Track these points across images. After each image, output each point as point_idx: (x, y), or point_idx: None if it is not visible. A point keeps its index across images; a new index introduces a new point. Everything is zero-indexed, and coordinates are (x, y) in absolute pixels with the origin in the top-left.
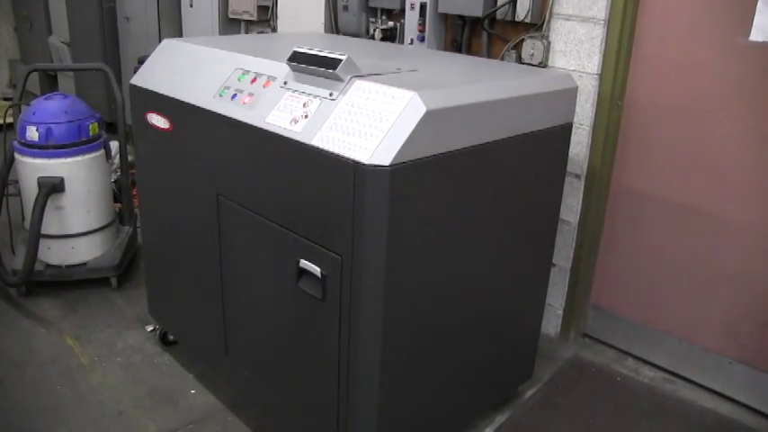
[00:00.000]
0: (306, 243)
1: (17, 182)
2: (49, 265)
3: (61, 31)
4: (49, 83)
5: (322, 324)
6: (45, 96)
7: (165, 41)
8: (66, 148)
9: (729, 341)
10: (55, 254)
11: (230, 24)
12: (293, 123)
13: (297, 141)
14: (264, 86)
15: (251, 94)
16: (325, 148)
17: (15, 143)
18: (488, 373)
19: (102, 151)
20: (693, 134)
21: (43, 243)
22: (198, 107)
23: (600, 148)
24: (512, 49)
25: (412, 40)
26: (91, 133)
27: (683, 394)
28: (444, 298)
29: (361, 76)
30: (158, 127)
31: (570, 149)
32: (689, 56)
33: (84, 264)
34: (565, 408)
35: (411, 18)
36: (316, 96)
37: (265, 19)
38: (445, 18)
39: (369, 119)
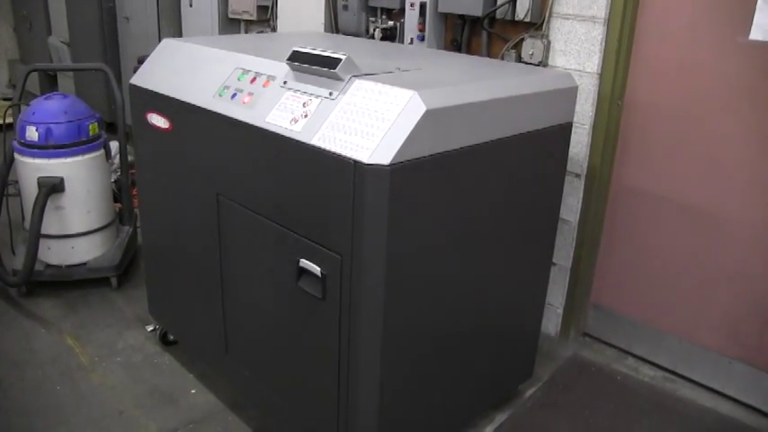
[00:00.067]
0: (306, 242)
1: (17, 182)
2: (49, 265)
3: (61, 31)
4: (49, 83)
5: (322, 323)
6: (45, 96)
7: (165, 41)
8: (66, 148)
9: (729, 340)
10: (55, 254)
11: (230, 24)
12: (293, 123)
13: (297, 141)
14: (264, 86)
15: (251, 94)
16: (325, 148)
17: (15, 143)
18: (488, 373)
19: (102, 151)
20: (693, 133)
21: (43, 243)
22: (198, 107)
23: (600, 147)
24: (512, 48)
25: (412, 40)
26: (91, 133)
27: (683, 393)
28: (444, 297)
29: (360, 76)
30: (158, 127)
31: (570, 149)
32: (689, 55)
33: (85, 264)
34: (565, 407)
35: (411, 17)
36: (315, 96)
37: (265, 19)
38: (445, 17)
39: (368, 118)
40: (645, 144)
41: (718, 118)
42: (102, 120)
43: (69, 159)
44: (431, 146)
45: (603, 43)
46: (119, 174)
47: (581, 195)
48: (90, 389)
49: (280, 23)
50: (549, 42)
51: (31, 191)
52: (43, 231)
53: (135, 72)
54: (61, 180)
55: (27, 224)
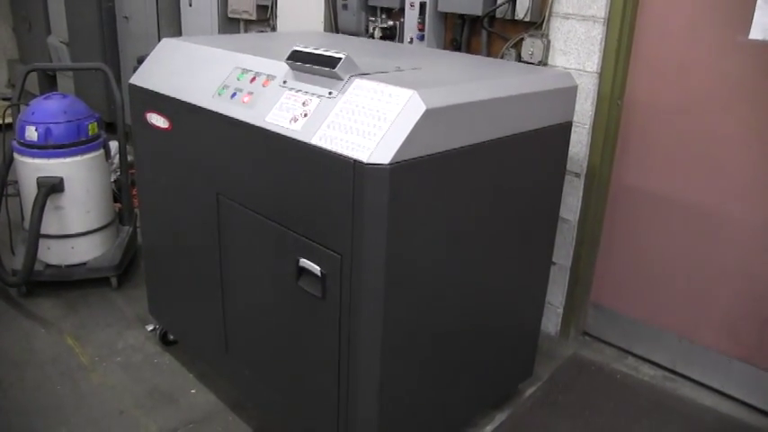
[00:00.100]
0: (305, 242)
1: (16, 182)
2: (48, 265)
3: (60, 31)
4: (48, 83)
5: (322, 323)
6: (44, 96)
7: (164, 41)
8: (66, 147)
9: (729, 339)
10: (55, 254)
11: (230, 24)
12: (293, 122)
13: (296, 140)
14: (264, 85)
15: (250, 93)
16: (325, 147)
17: (14, 143)
18: (488, 372)
19: (102, 151)
20: (693, 133)
21: (43, 243)
22: (197, 106)
23: (600, 146)
24: (511, 47)
25: (411, 39)
26: (90, 133)
27: (682, 392)
28: (444, 296)
29: (360, 75)
30: (158, 126)
31: (570, 148)
32: (689, 54)
33: (84, 264)
34: (565, 406)
35: (411, 17)
36: (315, 95)
37: (265, 18)
38: (445, 17)
39: (368, 117)
40: (644, 143)
41: (717, 117)
42: (101, 119)
43: (69, 159)
44: (430, 145)
45: (603, 43)
46: (118, 174)
47: (581, 195)
48: (90, 389)
49: (279, 23)
50: (548, 42)
51: (30, 191)
52: (43, 231)
53: (134, 72)
54: (61, 180)
55: (27, 224)
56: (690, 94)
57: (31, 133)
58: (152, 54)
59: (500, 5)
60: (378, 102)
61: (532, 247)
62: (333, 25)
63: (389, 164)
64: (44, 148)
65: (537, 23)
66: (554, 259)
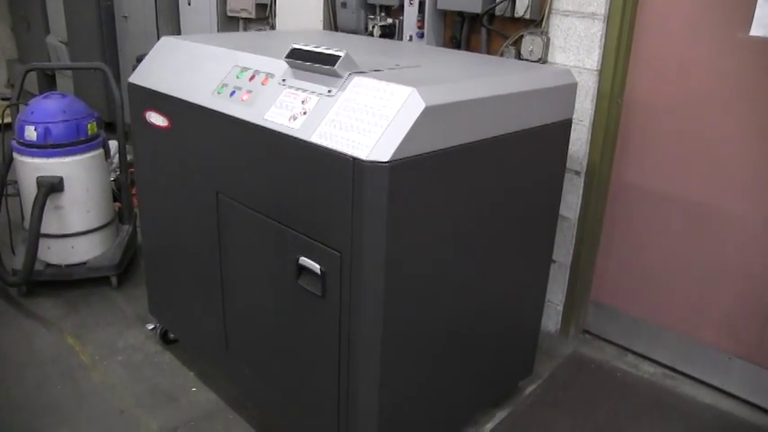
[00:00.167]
0: (305, 240)
1: (16, 182)
2: (49, 265)
3: (59, 31)
4: (48, 83)
5: (322, 321)
6: (43, 95)
7: (163, 39)
8: (65, 147)
9: (729, 337)
10: (55, 253)
11: (229, 22)
12: (292, 120)
13: (295, 138)
14: (263, 83)
15: (249, 92)
16: (324, 145)
17: (14, 143)
18: (488, 370)
19: (101, 150)
20: (693, 130)
21: (43, 243)
22: (196, 105)
23: (599, 144)
24: (511, 45)
25: (411, 37)
26: (89, 132)
27: (683, 390)
28: (444, 294)
29: (359, 73)
30: (157, 125)
31: (570, 146)
32: (689, 52)
33: (84, 263)
34: (565, 404)
35: (410, 15)
36: (314, 93)
37: (264, 17)
38: (444, 14)
39: (367, 115)
40: (644, 141)
41: (717, 115)
42: (100, 119)
43: (68, 159)
44: (430, 143)
45: (603, 40)
46: (118, 173)
47: (581, 192)
48: (91, 388)
49: (278, 21)
50: (548, 39)
51: (30, 190)
52: (43, 231)
53: (134, 71)
54: (60, 179)
55: (27, 224)
56: (690, 92)
57: (31, 133)
58: (151, 53)
59: (499, 3)
60: (377, 99)
61: (532, 245)
62: (332, 23)
63: (389, 161)
64: (43, 147)
65: (536, 21)
66: (554, 257)
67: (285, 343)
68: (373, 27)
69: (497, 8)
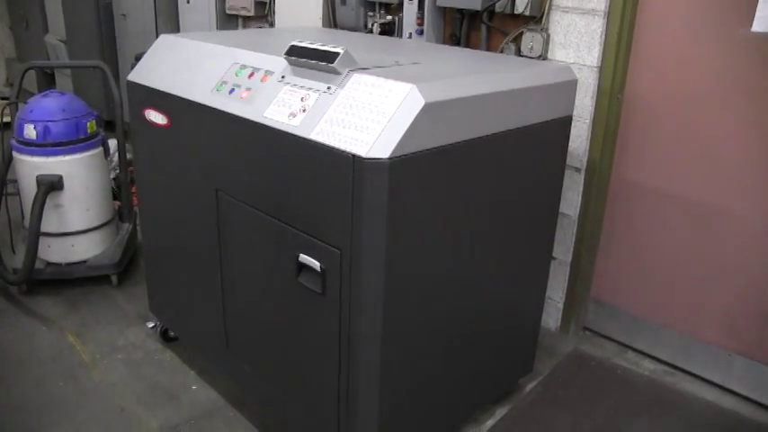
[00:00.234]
0: (305, 237)
1: (16, 181)
2: (49, 264)
3: (57, 30)
4: (47, 81)
5: (322, 318)
6: (42, 94)
7: (162, 37)
8: (65, 145)
9: (729, 334)
10: (55, 252)
11: (228, 20)
12: (291, 117)
13: (295, 135)
14: (262, 81)
15: (248, 89)
16: (324, 142)
17: (13, 141)
18: (489, 367)
19: (101, 149)
20: (694, 127)
21: (43, 241)
22: (195, 102)
23: (600, 141)
24: (511, 42)
25: (410, 34)
26: (89, 131)
27: (683, 387)
28: (444, 291)
29: (358, 70)
30: (156, 123)
31: (570, 143)
32: (690, 48)
33: (85, 261)
34: (565, 401)
35: (409, 12)
36: (313, 90)
37: (263, 14)
38: (444, 11)
39: (367, 112)
40: (645, 138)
41: (718, 112)
42: (100, 117)
43: (68, 157)
44: (430, 140)
45: (603, 36)
46: (118, 171)
47: (581, 189)
48: (91, 386)
49: (277, 19)
50: (548, 36)
51: (30, 189)
52: (43, 229)
53: (132, 69)
54: (60, 178)
55: (27, 222)
56: (690, 89)
57: (30, 131)
58: (150, 51)
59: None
60: (376, 96)
61: (533, 242)
62: (331, 21)
63: (389, 158)
64: (43, 146)
65: (536, 17)
66: (554, 254)
67: (285, 340)
68: (373, 24)
69: (497, 5)
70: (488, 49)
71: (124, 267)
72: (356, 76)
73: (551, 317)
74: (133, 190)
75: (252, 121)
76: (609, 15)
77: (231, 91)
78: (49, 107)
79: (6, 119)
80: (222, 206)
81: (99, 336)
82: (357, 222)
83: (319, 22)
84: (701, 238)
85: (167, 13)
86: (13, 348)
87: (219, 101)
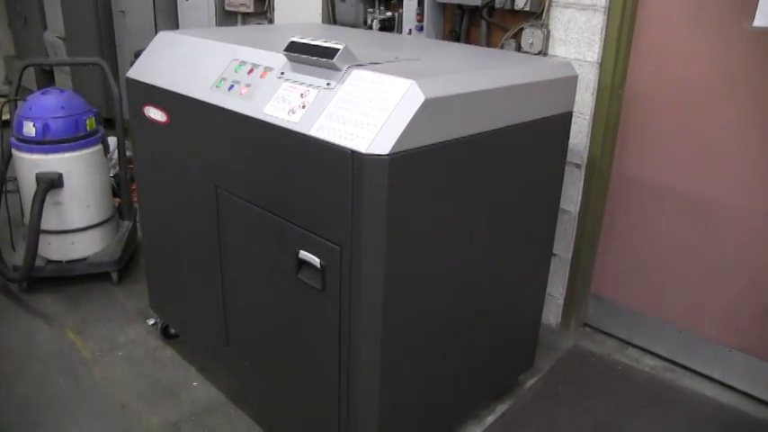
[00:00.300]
0: (305, 234)
1: (16, 178)
2: (49, 261)
3: (56, 27)
4: (46, 79)
5: (322, 314)
6: (41, 91)
7: (161, 34)
8: (64, 143)
9: (730, 330)
10: (55, 249)
11: (227, 17)
12: (291, 114)
13: (295, 132)
14: (261, 77)
15: (248, 85)
16: (324, 138)
17: (12, 139)
18: (489, 363)
19: (100, 146)
20: (694, 123)
21: (43, 239)
22: (195, 99)
23: (600, 137)
24: (511, 38)
25: (410, 30)
26: (88, 128)
27: (683, 383)
28: (444, 288)
29: (358, 66)
30: (155, 120)
31: (570, 139)
32: (691, 43)
33: (85, 259)
34: (565, 397)
35: (409, 8)
36: (313, 86)
37: (262, 11)
38: (444, 8)
39: (367, 108)
40: (645, 134)
41: (719, 108)
42: (99, 115)
43: (67, 155)
44: (430, 135)
45: (604, 32)
46: (117, 168)
47: (581, 185)
48: (92, 383)
49: (277, 15)
50: (548, 32)
51: (29, 187)
52: (43, 227)
53: (132, 66)
54: (59, 176)
55: (27, 220)
56: (691, 84)
57: (29, 128)
58: (149, 47)
59: None
60: (376, 92)
61: (533, 239)
62: (331, 17)
63: (388, 154)
64: (42, 143)
65: (537, 13)
66: (554, 250)
67: (285, 337)
68: (372, 20)
69: (497, 1)
70: (488, 45)
71: (124, 264)
72: (356, 72)
73: (552, 313)
74: (133, 187)
75: (251, 118)
76: (609, 11)
77: (231, 87)
78: (49, 104)
79: (5, 116)
80: (222, 203)
81: (99, 333)
82: (357, 218)
83: (319, 19)
84: (702, 234)
85: (166, 9)
86: (14, 346)
87: (219, 97)
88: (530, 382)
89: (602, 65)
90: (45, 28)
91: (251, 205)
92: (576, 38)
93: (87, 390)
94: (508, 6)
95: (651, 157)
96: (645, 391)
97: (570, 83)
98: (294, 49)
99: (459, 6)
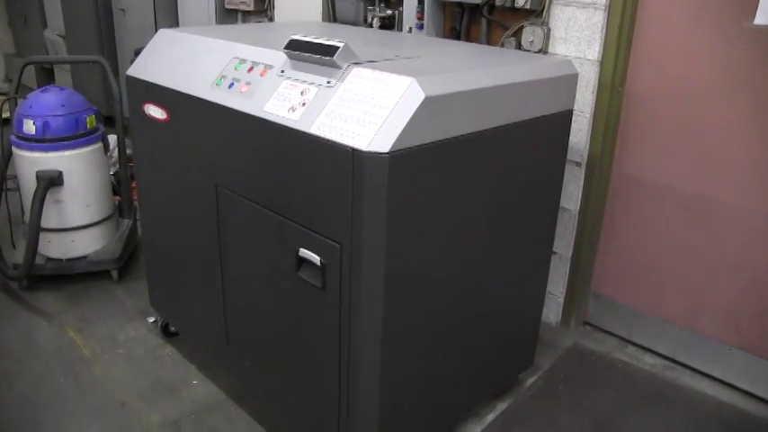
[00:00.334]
0: (305, 232)
1: (16, 176)
2: (49, 259)
3: (56, 25)
4: (46, 77)
5: (322, 312)
6: (41, 89)
7: (161, 31)
8: (64, 141)
9: (729, 328)
10: (55, 247)
11: (227, 15)
12: (291, 111)
13: (295, 129)
14: (262, 75)
15: (248, 83)
16: (324, 136)
17: (13, 137)
18: (489, 362)
19: (101, 144)
20: (694, 121)
21: (43, 237)
22: (195, 97)
23: (600, 135)
24: (511, 36)
25: (410, 29)
26: (88, 126)
27: (683, 381)
28: (444, 286)
29: (358, 63)
30: (155, 118)
31: (570, 137)
32: (691, 42)
33: (85, 257)
34: (565, 395)
35: (409, 6)
36: (313, 84)
37: (262, 9)
38: (444, 6)
39: (367, 106)
40: (645, 132)
41: (719, 106)
42: (99, 112)
43: (67, 152)
44: (430, 133)
45: (604, 30)
46: (117, 167)
47: (581, 184)
48: (93, 381)
49: (277, 13)
50: (549, 30)
51: (29, 185)
52: (43, 225)
53: (132, 64)
54: (59, 173)
55: (27, 218)
56: (691, 83)
57: (29, 126)
58: (149, 45)
59: None
60: (376, 90)
61: (533, 237)
62: (331, 15)
63: (388, 152)
64: (42, 141)
65: (537, 11)
66: (555, 249)
67: (285, 335)
68: (372, 18)
69: None
70: (489, 43)
71: (124, 262)
72: (356, 70)
73: (552, 311)
74: (133, 185)
75: (251, 116)
76: (610, 9)
77: (231, 85)
78: (49, 102)
79: (6, 114)
80: (222, 201)
81: (100, 331)
82: (357, 216)
83: (319, 17)
84: (702, 233)
85: (166, 7)
86: (14, 344)
87: (219, 95)
88: (530, 381)
89: (602, 63)
90: (45, 26)
91: (251, 203)
92: (576, 36)
93: (87, 388)
94: (508, 4)
95: (651, 156)
96: (645, 389)
97: (570, 81)
98: (294, 47)
99: (460, 4)
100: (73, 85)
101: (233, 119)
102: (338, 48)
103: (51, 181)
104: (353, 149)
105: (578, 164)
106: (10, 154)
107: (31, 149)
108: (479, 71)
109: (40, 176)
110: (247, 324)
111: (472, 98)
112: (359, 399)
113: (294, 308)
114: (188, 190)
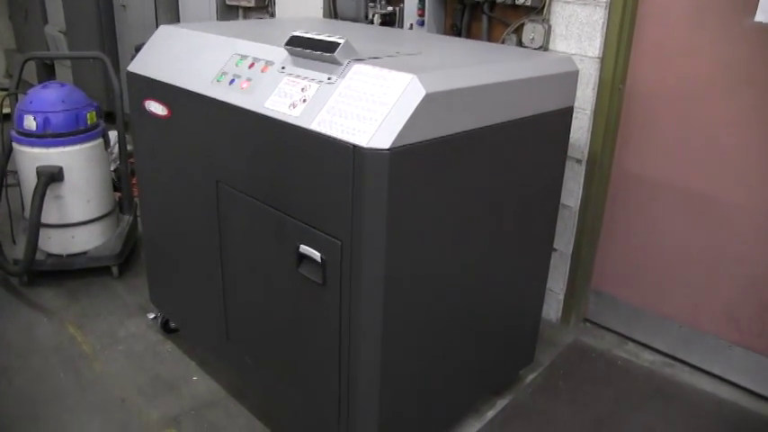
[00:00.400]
0: (305, 228)
1: (16, 172)
2: (49, 255)
3: (57, 21)
4: (47, 73)
5: (322, 309)
6: (42, 85)
7: (162, 27)
8: (65, 136)
9: (729, 325)
10: (55, 243)
11: (228, 11)
12: (292, 108)
13: (295, 126)
14: (262, 71)
15: (249, 80)
16: (324, 132)
17: (13, 133)
18: (490, 358)
19: (101, 140)
20: (695, 119)
21: (43, 233)
22: (196, 93)
23: (601, 132)
24: (512, 33)
25: (411, 25)
26: (89, 122)
27: (682, 378)
28: (444, 282)
29: (359, 60)
30: (156, 114)
31: (571, 134)
32: (692, 39)
33: (85, 253)
34: (565, 392)
35: (410, 2)
36: (314, 80)
37: (263, 5)
38: (445, 2)
39: (368, 102)
40: (646, 129)
41: (720, 103)
42: (100, 108)
43: (68, 148)
44: (430, 130)
45: (605, 27)
46: (118, 163)
47: (582, 181)
48: (93, 377)
49: (278, 9)
50: (549, 27)
51: (30, 180)
52: (43, 221)
53: (132, 60)
54: (60, 169)
55: (27, 214)
56: (692, 80)
57: (30, 122)
58: (150, 41)
59: None
60: (377, 86)
61: (533, 234)
62: (332, 11)
63: (389, 149)
64: (43, 137)
65: (538, 8)
66: (555, 246)
67: (286, 331)
68: (373, 15)
69: None
70: (489, 40)
71: (125, 259)
72: (357, 67)
73: (552, 308)
74: (133, 181)
75: (252, 112)
76: (610, 6)
77: (231, 81)
78: (49, 98)
79: (6, 110)
80: (222, 197)
81: (100, 327)
82: (357, 213)
83: (320, 13)
84: (702, 230)
85: (167, 3)
86: (14, 340)
87: (220, 91)
88: (530, 377)
89: (603, 60)
90: (46, 21)
91: (251, 199)
92: (577, 33)
93: (87, 384)
94: (509, 1)
95: (652, 153)
96: (645, 386)
97: (571, 78)
98: (295, 43)
99: (461, 1)
100: (73, 80)
101: (234, 115)
102: (339, 44)
103: (52, 177)
104: (354, 146)
105: (579, 161)
106: (10, 150)
107: (32, 145)
108: (480, 68)
109: (40, 172)
110: (247, 320)
111: (473, 95)
112: (359, 393)
113: (294, 304)
114: (188, 186)
